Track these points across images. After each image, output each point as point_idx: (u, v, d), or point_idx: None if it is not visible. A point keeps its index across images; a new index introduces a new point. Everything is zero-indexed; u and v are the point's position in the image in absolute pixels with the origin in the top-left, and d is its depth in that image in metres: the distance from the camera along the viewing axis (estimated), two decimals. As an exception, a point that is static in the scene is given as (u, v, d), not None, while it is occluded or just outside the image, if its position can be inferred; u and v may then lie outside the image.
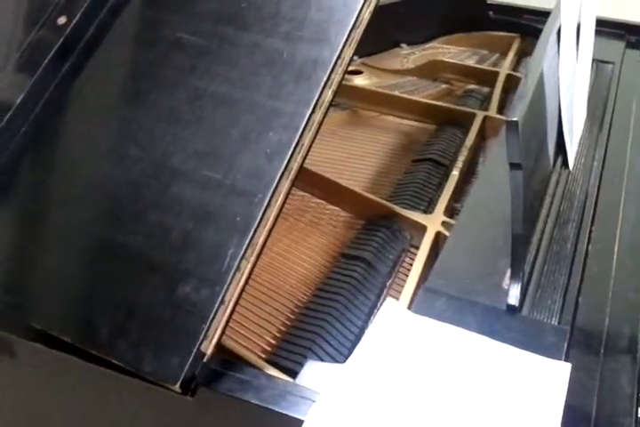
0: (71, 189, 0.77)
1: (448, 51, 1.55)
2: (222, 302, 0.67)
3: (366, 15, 0.75)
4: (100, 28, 0.82)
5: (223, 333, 0.68)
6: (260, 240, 0.69)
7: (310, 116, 0.72)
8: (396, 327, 0.77)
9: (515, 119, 0.71)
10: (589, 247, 0.94)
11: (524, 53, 1.52)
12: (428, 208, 1.07)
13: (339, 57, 0.73)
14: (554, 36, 0.89)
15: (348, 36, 0.74)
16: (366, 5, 0.75)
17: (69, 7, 0.82)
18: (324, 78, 0.73)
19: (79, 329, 0.69)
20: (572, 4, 0.98)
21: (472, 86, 1.41)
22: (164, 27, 0.80)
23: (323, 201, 1.09)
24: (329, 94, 0.73)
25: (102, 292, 0.70)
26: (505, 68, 1.40)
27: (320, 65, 0.73)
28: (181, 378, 0.64)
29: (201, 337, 0.65)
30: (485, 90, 1.40)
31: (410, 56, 1.52)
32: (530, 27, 1.50)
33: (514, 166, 0.76)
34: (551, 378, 0.72)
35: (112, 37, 0.82)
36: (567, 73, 0.99)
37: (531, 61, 0.84)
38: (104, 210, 0.75)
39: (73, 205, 0.76)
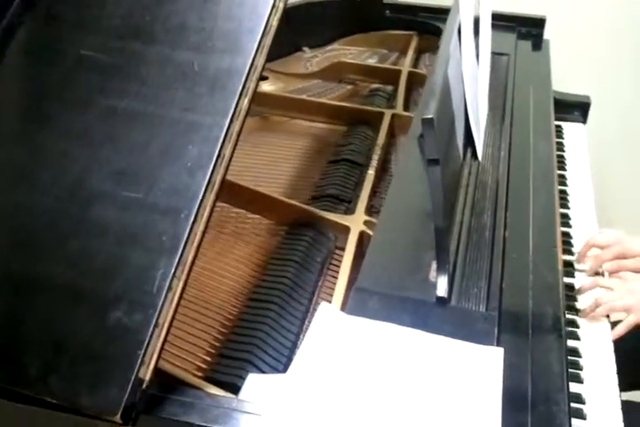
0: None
1: (349, 52, 1.57)
2: (157, 324, 0.65)
3: (274, 22, 0.75)
4: (-3, 49, 0.78)
5: (160, 356, 0.66)
6: (190, 258, 0.68)
7: (229, 126, 0.71)
8: (333, 331, 0.77)
9: (430, 116, 0.73)
10: (506, 233, 0.98)
11: (422, 50, 1.56)
12: (349, 209, 1.08)
13: (252, 65, 0.73)
14: (455, 32, 0.92)
15: (259, 43, 0.73)
16: (274, 12, 0.75)
17: (-39, 29, 0.77)
18: (240, 87, 0.72)
19: (5, 369, 0.65)
20: (469, 2, 1.02)
21: (376, 85, 1.44)
22: (65, 45, 0.76)
23: (242, 210, 1.08)
24: (245, 103, 0.72)
25: (26, 327, 0.66)
26: (406, 66, 1.44)
27: (234, 74, 0.72)
28: (121, 409, 0.62)
29: (138, 363, 0.63)
30: (389, 88, 1.43)
31: (313, 59, 1.54)
32: (426, 24, 1.54)
33: (431, 162, 0.78)
34: (486, 363, 0.75)
35: (11, 59, 0.77)
36: (469, 67, 1.02)
37: (437, 58, 0.87)
38: (19, 241, 0.71)
39: (-17, 237, 0.72)
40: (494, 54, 1.36)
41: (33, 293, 0.68)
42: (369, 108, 1.31)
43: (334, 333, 0.77)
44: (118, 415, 0.61)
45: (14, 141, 0.76)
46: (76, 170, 0.72)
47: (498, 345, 0.78)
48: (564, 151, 1.41)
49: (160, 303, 0.65)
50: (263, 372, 0.79)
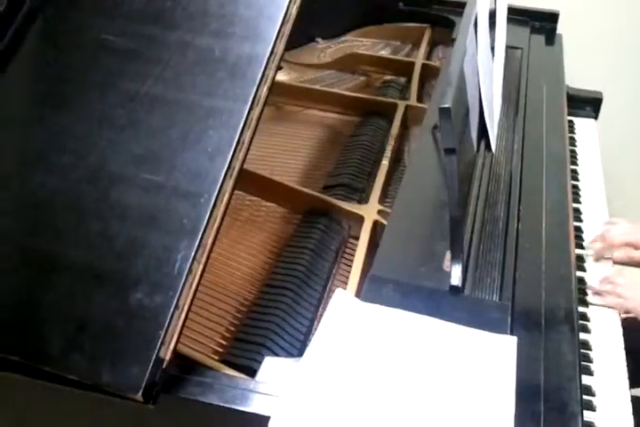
0: (2, 203, 0.73)
1: (362, 43, 1.57)
2: (177, 306, 0.66)
3: (294, 10, 0.75)
4: (18, 34, 0.78)
5: (179, 338, 0.67)
6: (210, 241, 0.69)
7: (249, 112, 0.71)
8: (348, 316, 0.78)
9: (447, 106, 0.73)
10: (519, 226, 0.99)
11: (435, 43, 1.56)
12: (363, 198, 1.08)
13: (271, 52, 0.73)
14: (472, 25, 0.92)
15: (279, 31, 0.74)
16: (293, 1, 0.75)
17: (-17, 14, 0.78)
18: (259, 74, 0.72)
19: (28, 347, 0.66)
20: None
21: (389, 77, 1.44)
22: (87, 29, 0.77)
23: (258, 198, 1.09)
24: (264, 90, 0.73)
25: (48, 307, 0.67)
26: (419, 58, 1.44)
27: (254, 61, 0.73)
28: (143, 387, 0.63)
29: (158, 344, 0.64)
30: (402, 80, 1.43)
31: (326, 50, 1.54)
32: (439, 17, 1.54)
33: (448, 151, 0.78)
34: (500, 352, 0.75)
35: (32, 43, 0.78)
36: (484, 60, 1.02)
37: (453, 50, 0.87)
38: (41, 222, 0.72)
39: (6, 218, 0.72)
40: (508, 48, 1.36)
41: (54, 273, 0.69)
42: (383, 99, 1.32)
43: (349, 319, 0.78)
44: (140, 393, 0.62)
45: (35, 125, 0.76)
46: (96, 153, 0.73)
47: (511, 335, 0.79)
48: (575, 146, 1.41)
49: (180, 285, 0.66)
50: (278, 356, 0.80)
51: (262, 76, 0.73)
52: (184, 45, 0.75)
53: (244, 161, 0.72)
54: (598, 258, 1.08)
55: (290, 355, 0.81)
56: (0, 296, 0.69)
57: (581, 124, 1.49)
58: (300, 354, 0.76)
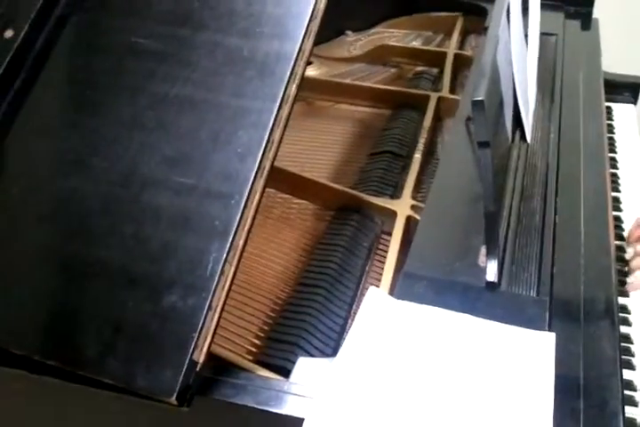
0: (37, 208, 0.74)
1: (393, 34, 1.55)
2: (210, 308, 0.66)
3: (322, 6, 0.74)
4: (50, 38, 0.79)
5: (213, 339, 0.67)
6: (241, 242, 0.69)
7: (278, 111, 0.71)
8: (382, 315, 0.77)
9: (480, 98, 0.72)
10: (557, 218, 0.97)
11: (467, 32, 1.53)
12: (395, 193, 1.07)
13: (300, 50, 0.73)
14: (504, 13, 0.90)
15: (307, 28, 0.73)
16: (321, -4, 0.74)
17: (15, 19, 0.78)
18: (288, 73, 0.72)
19: (64, 351, 0.67)
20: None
21: (421, 68, 1.42)
22: (116, 32, 0.77)
23: (289, 195, 1.08)
24: (293, 88, 0.72)
25: (83, 310, 0.68)
26: (452, 48, 1.41)
27: (282, 59, 0.72)
28: (177, 390, 0.63)
29: (192, 346, 0.64)
30: (435, 71, 1.41)
31: (356, 43, 1.52)
32: (471, 5, 1.51)
33: (482, 145, 0.76)
34: (538, 349, 0.74)
35: (63, 47, 0.79)
36: (518, 48, 1.00)
37: (485, 40, 0.85)
38: (74, 226, 0.72)
39: (41, 223, 0.73)
40: (542, 35, 1.33)
41: (88, 276, 0.69)
42: (414, 91, 1.30)
43: (383, 317, 0.77)
44: (174, 397, 0.62)
45: (67, 129, 0.77)
46: (128, 156, 0.73)
47: (549, 331, 0.77)
48: (614, 133, 1.38)
49: (213, 287, 0.66)
50: (312, 355, 0.80)
51: (291, 73, 0.72)
52: (213, 46, 0.75)
53: (274, 160, 0.72)
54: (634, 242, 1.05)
55: (324, 354, 0.80)
56: (34, 301, 0.70)
57: (620, 109, 1.45)
58: (334, 353, 0.75)
